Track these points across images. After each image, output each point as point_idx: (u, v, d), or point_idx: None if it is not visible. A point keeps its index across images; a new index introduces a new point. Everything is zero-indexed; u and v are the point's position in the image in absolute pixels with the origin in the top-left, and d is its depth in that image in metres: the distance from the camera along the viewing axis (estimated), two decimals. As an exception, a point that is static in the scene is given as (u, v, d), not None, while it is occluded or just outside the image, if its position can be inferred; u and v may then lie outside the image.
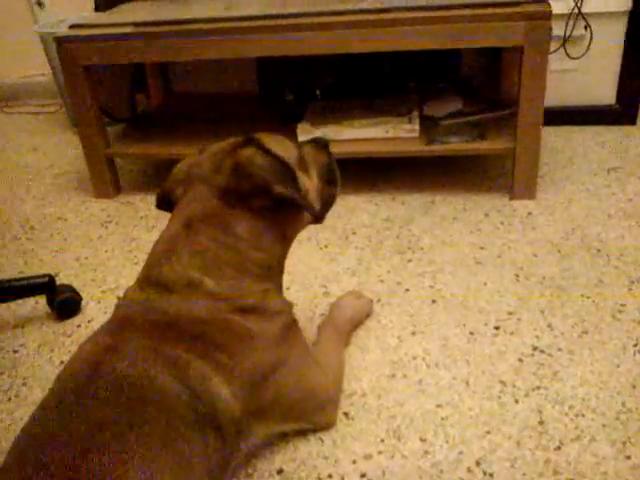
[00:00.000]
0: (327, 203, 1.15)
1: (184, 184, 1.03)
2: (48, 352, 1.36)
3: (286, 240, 1.07)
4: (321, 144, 1.17)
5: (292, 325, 1.05)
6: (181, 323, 0.92)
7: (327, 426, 1.10)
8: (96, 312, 1.47)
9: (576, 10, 2.05)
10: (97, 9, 2.51)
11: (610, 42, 2.12)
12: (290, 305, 1.06)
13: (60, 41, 1.83)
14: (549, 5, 1.61)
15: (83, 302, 1.49)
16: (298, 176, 1.03)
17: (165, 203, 1.08)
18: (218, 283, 0.95)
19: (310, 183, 1.08)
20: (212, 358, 0.91)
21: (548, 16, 1.59)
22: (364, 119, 1.91)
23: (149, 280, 0.97)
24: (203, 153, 1.06)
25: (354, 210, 1.83)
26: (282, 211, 1.01)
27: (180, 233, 0.97)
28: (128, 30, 1.80)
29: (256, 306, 0.97)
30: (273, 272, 1.04)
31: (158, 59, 1.91)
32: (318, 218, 1.12)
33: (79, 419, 0.82)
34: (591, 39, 2.10)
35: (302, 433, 1.09)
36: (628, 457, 1.01)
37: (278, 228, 1.02)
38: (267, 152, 0.98)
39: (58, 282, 1.50)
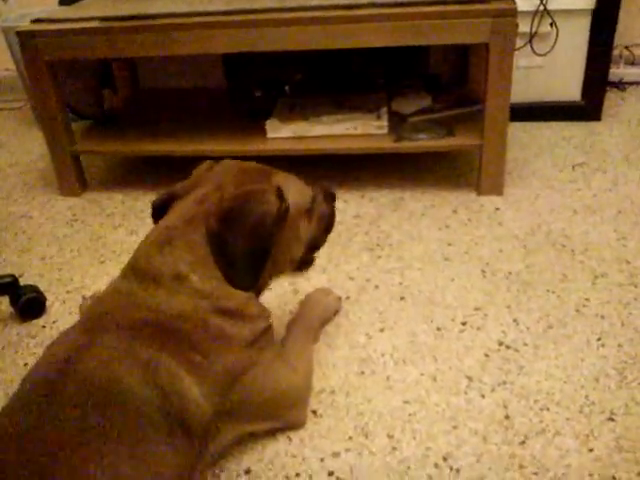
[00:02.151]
0: (313, 247, 1.21)
1: (197, 185, 1.05)
2: (12, 354, 1.33)
3: (275, 267, 1.08)
4: (329, 195, 1.22)
5: (267, 330, 1.05)
6: (159, 319, 0.92)
7: (297, 425, 1.10)
8: (61, 313, 1.45)
9: (542, 7, 2.08)
10: (61, 3, 2.46)
11: (575, 39, 2.15)
12: (267, 312, 1.07)
13: (23, 35, 1.79)
14: (514, 2, 1.63)
15: (48, 302, 1.47)
16: (299, 225, 1.10)
17: (162, 207, 1.07)
18: (203, 281, 0.96)
19: (306, 232, 1.13)
20: (185, 357, 0.91)
21: (513, 13, 1.61)
22: (333, 115, 1.91)
23: (135, 269, 0.98)
24: (224, 165, 1.09)
25: (323, 207, 1.82)
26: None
27: (178, 227, 0.99)
28: (94, 25, 1.77)
29: (236, 309, 0.98)
30: (258, 286, 1.06)
31: (124, 55, 1.88)
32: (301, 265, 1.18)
33: (45, 422, 0.81)
34: (557, 36, 2.13)
35: (270, 432, 1.08)
36: (591, 450, 1.03)
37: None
38: (280, 202, 1.03)
39: (22, 282, 1.47)
